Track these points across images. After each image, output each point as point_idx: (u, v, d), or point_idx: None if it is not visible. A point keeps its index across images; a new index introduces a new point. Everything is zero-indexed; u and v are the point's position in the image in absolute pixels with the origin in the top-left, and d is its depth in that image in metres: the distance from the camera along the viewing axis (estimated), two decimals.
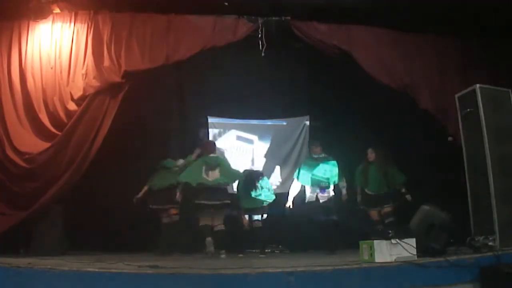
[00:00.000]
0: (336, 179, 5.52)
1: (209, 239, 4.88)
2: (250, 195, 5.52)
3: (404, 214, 5.05)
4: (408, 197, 5.41)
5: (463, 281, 2.92)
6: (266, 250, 5.79)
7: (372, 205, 5.59)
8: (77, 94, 4.87)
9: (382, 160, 5.59)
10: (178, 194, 5.19)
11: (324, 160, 5.56)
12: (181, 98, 7.42)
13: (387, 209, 5.48)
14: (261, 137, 7.86)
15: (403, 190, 5.46)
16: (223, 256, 4.83)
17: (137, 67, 4.99)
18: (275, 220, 6.23)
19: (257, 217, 5.74)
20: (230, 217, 5.67)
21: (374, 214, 5.59)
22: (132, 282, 2.60)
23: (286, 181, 7.57)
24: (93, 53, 4.97)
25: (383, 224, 5.43)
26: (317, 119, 7.78)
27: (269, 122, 7.93)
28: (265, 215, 5.79)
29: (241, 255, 5.36)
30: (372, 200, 5.59)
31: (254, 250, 5.83)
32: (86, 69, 4.92)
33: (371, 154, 5.68)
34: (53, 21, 5.11)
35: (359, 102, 6.70)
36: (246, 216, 5.64)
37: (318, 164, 5.55)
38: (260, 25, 5.30)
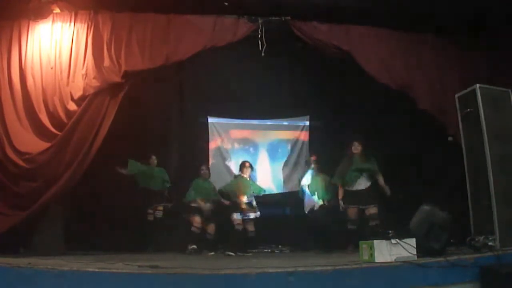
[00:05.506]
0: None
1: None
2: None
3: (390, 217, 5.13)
4: (386, 189, 5.35)
5: (463, 281, 2.93)
6: (265, 250, 5.78)
7: (352, 203, 5.44)
8: (77, 94, 4.86)
9: (363, 155, 5.53)
10: None
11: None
12: (181, 98, 7.42)
13: (371, 210, 5.32)
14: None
15: (380, 179, 5.40)
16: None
17: (137, 67, 4.98)
18: (274, 220, 6.22)
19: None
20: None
21: (352, 212, 5.42)
22: (132, 282, 2.61)
23: (287, 181, 7.57)
24: (93, 53, 4.96)
25: (367, 225, 5.28)
26: (317, 119, 7.78)
27: (269, 122, 7.92)
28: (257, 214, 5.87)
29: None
30: (352, 198, 5.45)
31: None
32: (86, 69, 4.91)
33: (358, 147, 5.57)
34: (53, 21, 5.10)
35: (359, 102, 6.70)
36: (238, 216, 5.72)
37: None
38: (260, 25, 5.29)
